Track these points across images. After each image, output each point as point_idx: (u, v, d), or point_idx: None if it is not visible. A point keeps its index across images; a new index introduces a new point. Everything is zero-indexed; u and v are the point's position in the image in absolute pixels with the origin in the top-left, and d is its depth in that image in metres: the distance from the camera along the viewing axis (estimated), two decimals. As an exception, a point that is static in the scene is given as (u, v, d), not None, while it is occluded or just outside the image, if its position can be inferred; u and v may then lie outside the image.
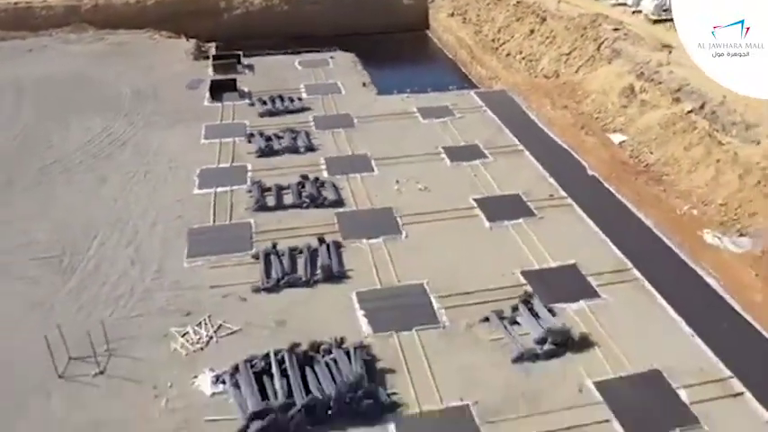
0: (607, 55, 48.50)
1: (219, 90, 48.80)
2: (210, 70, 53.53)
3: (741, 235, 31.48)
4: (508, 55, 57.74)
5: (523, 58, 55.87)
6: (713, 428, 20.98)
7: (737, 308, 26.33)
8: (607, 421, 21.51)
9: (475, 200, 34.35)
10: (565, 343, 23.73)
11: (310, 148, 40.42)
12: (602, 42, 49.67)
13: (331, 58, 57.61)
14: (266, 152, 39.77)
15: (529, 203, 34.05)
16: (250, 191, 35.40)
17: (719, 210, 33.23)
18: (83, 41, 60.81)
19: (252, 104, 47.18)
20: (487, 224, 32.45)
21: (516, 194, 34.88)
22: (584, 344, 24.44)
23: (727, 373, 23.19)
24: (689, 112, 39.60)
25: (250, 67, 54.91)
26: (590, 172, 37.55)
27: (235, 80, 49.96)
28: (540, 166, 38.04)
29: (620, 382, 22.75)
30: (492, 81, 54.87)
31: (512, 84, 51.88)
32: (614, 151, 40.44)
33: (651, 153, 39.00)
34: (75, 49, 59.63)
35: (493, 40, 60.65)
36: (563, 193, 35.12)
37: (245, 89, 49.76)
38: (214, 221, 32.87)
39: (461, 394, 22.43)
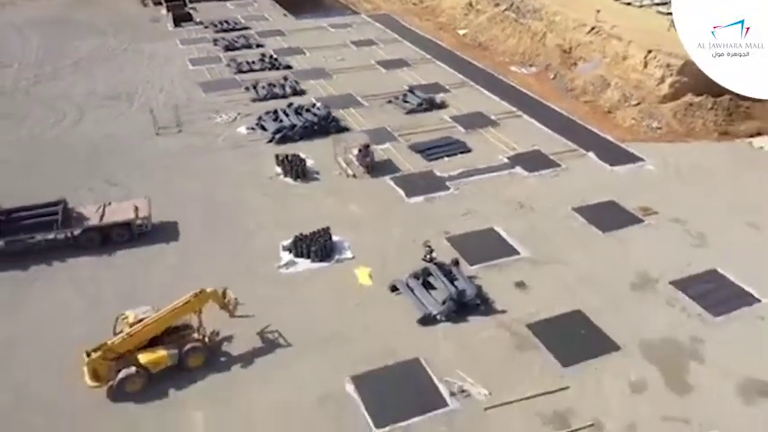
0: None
1: (179, 20, 66.28)
2: (164, 10, 70.54)
3: (531, 65, 54.01)
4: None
5: (396, -5, 77.19)
6: (569, 169, 37.52)
7: (548, 104, 46.85)
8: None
9: (377, 61, 54.91)
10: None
11: (259, 45, 59.42)
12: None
13: (254, 2, 76.30)
14: (230, 48, 58.33)
15: (406, 60, 55.10)
16: (229, 65, 53.91)
17: (520, 57, 55.69)
18: (45, -1, 75.40)
19: (206, 27, 65.21)
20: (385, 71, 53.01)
21: (401, 58, 55.68)
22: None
23: (573, 145, 40.83)
24: (504, 10, 62.19)
25: (194, 8, 72.38)
26: (445, 46, 59.19)
27: (190, 13, 67.66)
28: (415, 46, 59.16)
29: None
30: (376, 11, 75.73)
31: (390, 10, 73.05)
32: (460, 38, 62.39)
33: (482, 36, 61.16)
34: (42, 4, 74.32)
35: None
36: (429, 56, 56.32)
37: (198, 20, 67.54)
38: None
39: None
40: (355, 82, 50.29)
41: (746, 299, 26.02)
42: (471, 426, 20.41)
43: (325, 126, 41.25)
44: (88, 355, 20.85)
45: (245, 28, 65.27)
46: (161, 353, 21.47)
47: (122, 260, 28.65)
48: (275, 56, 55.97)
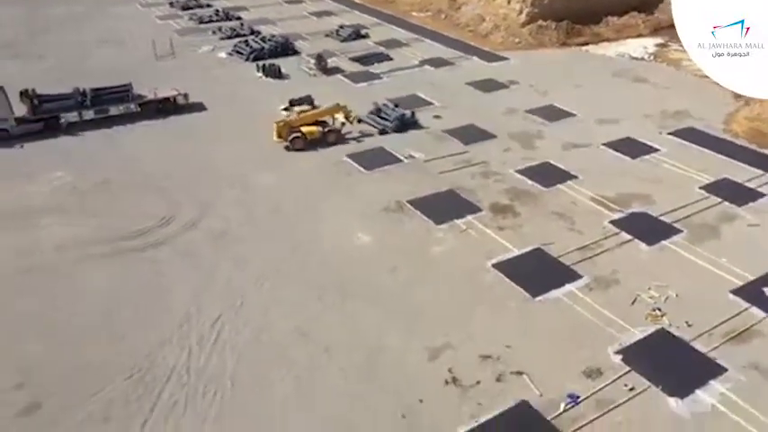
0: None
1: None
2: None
3: (427, 11, 71.05)
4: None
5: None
6: (461, 66, 57.50)
7: (442, 33, 64.19)
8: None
9: (309, 12, 70.21)
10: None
11: (209, 5, 73.26)
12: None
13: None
14: (186, 8, 71.83)
15: (331, 11, 70.82)
16: (191, 18, 67.58)
17: (418, 5, 72.61)
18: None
19: (159, -6, 77.93)
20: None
21: (326, 10, 71.23)
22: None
23: (462, 54, 60.27)
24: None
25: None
26: (358, 1, 75.30)
27: (142, -17, 79.96)
28: (334, 2, 74.82)
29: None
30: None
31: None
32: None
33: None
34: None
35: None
36: (347, 8, 72.19)
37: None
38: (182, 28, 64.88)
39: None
40: (296, 26, 65.43)
41: (568, 115, 43.81)
42: (418, 166, 36.68)
43: (285, 49, 56.31)
44: (277, 123, 38.33)
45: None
46: (314, 128, 38.91)
47: (174, 122, 42.84)
48: (226, 12, 69.98)
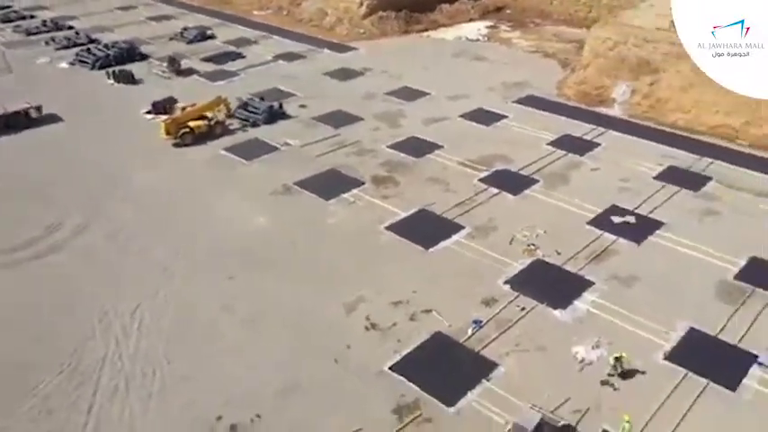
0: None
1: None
2: None
3: (267, 9, 72.30)
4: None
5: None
6: (314, 59, 59.26)
7: (288, 29, 65.78)
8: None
9: (146, 18, 68.79)
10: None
11: (32, 16, 69.23)
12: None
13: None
14: (6, 20, 67.33)
15: (171, 15, 69.94)
16: (15, 30, 63.63)
17: (257, 3, 73.60)
18: None
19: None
20: None
21: (165, 14, 70.14)
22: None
23: (313, 47, 61.98)
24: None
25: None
26: (196, 4, 74.82)
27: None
28: (171, 6, 73.80)
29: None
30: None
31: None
32: None
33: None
34: None
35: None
36: (186, 11, 71.62)
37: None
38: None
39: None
40: (136, 31, 63.86)
41: (424, 94, 47.51)
42: (296, 152, 38.41)
43: (132, 54, 55.16)
44: (164, 121, 38.93)
45: (7, 7, 73.13)
46: (200, 122, 39.83)
47: (32, 135, 40.98)
48: (55, 21, 66.50)
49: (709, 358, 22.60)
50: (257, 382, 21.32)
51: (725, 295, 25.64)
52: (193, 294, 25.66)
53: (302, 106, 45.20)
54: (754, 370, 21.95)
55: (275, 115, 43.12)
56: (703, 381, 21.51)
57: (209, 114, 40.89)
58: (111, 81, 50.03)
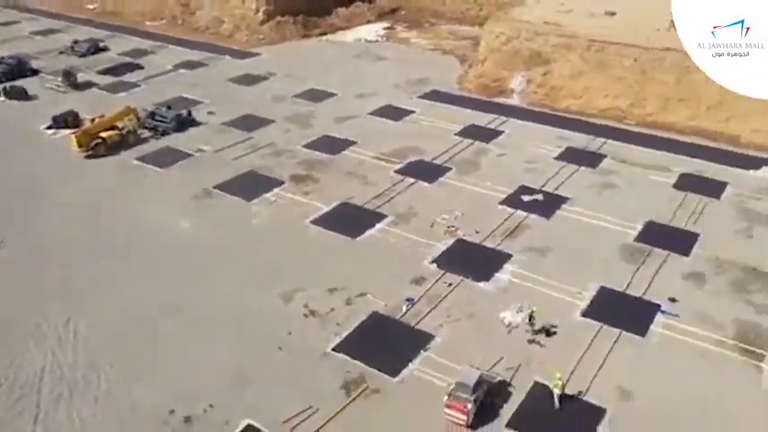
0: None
1: None
2: None
3: (161, 19, 71.00)
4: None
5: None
6: (217, 66, 58.20)
7: (185, 38, 64.73)
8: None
9: (30, 32, 65.78)
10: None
11: None
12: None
13: None
14: None
15: (57, 29, 67.27)
16: None
17: (149, 15, 72.08)
18: None
19: None
20: None
21: (50, 28, 67.33)
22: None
23: (214, 55, 60.78)
24: (125, -15, 77.36)
25: None
26: (82, 17, 72.27)
27: None
28: (57, 20, 70.93)
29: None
30: None
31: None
32: (93, 11, 75.75)
33: (110, 6, 75.59)
34: None
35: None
36: (74, 24, 69.10)
37: None
38: None
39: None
40: (22, 46, 60.99)
41: (331, 95, 48.48)
42: (210, 157, 38.43)
43: (22, 69, 52.80)
44: (74, 134, 37.97)
45: None
46: (112, 132, 39.19)
47: None
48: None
49: (620, 311, 25.06)
50: (205, 376, 21.62)
51: (627, 256, 28.38)
52: (127, 300, 25.46)
53: (210, 113, 45.08)
54: (659, 317, 24.58)
55: (184, 123, 42.80)
56: (616, 331, 23.89)
57: (119, 124, 40.10)
58: (3, 98, 47.82)
